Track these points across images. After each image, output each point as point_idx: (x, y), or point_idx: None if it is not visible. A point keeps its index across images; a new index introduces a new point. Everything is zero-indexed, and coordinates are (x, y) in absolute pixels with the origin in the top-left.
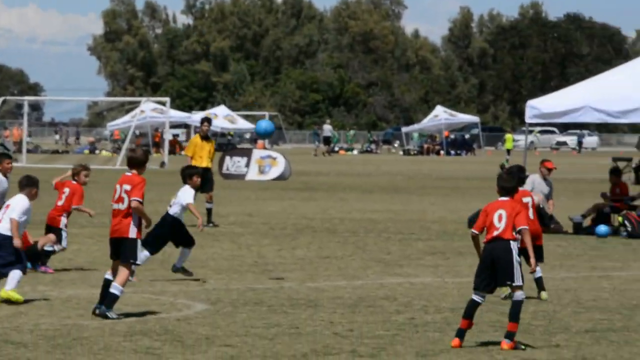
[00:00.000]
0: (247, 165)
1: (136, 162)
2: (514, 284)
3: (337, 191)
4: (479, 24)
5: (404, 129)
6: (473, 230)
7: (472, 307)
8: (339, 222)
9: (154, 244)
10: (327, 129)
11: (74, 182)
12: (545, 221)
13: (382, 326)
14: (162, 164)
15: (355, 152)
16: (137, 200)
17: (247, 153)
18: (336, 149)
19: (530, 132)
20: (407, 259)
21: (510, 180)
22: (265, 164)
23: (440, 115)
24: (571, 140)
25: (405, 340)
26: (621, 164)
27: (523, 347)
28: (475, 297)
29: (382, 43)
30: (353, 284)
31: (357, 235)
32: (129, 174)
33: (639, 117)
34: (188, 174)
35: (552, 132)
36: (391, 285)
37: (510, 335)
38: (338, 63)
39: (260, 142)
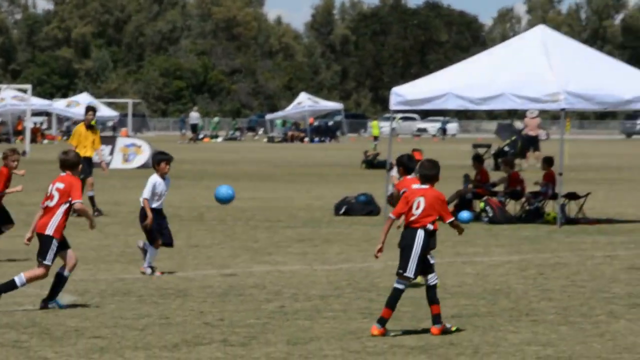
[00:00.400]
0: (112, 153)
1: (69, 165)
2: (404, 274)
3: (203, 179)
4: (341, 10)
5: (268, 116)
6: (391, 215)
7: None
8: (206, 210)
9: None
10: (194, 116)
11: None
12: None
13: (252, 315)
14: (24, 153)
15: (219, 139)
16: (80, 202)
17: (111, 141)
18: (201, 136)
19: (393, 119)
20: (276, 246)
21: (432, 168)
22: (129, 152)
23: (304, 102)
24: (432, 126)
25: (276, 329)
26: (481, 150)
27: (453, 329)
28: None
29: (245, 29)
30: (222, 272)
31: (225, 224)
32: (63, 174)
33: (500, 104)
34: (156, 160)
35: (413, 119)
36: (260, 273)
37: (435, 319)
38: (201, 50)
39: (124, 129)
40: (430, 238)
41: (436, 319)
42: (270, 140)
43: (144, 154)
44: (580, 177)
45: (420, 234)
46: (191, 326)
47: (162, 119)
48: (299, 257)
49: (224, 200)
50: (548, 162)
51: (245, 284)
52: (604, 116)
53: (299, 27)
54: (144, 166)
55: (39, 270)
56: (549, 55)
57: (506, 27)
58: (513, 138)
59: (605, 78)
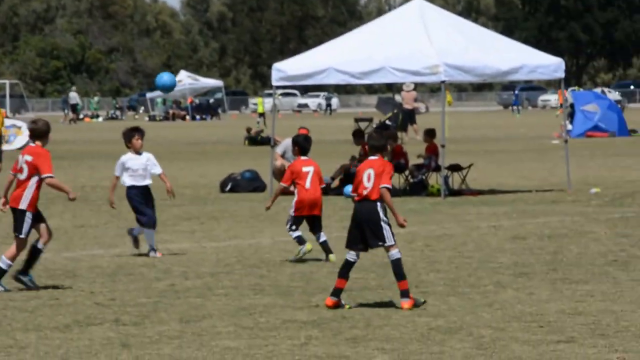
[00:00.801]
0: None
1: (38, 134)
2: (385, 244)
3: (86, 159)
4: None
5: (149, 95)
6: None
7: (346, 267)
8: (90, 190)
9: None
10: (73, 96)
11: None
12: None
13: (143, 294)
14: None
15: (100, 119)
16: (50, 176)
17: None
18: (81, 116)
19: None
20: (163, 225)
21: (379, 139)
22: (9, 134)
23: (184, 80)
24: (313, 102)
25: (168, 307)
26: (363, 125)
27: (422, 300)
28: (349, 257)
29: (121, 8)
30: (110, 252)
31: None
32: (33, 145)
33: (381, 78)
34: (127, 137)
35: (294, 94)
36: None
37: (404, 294)
38: (77, 29)
39: (2, 110)
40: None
41: (404, 294)
42: (152, 119)
43: (24, 136)
44: (461, 148)
45: (379, 206)
46: (82, 306)
47: (40, 99)
48: (187, 235)
49: (165, 87)
50: (430, 134)
51: (134, 263)
52: (481, 88)
53: (175, 4)
54: (24, 147)
55: (17, 245)
56: (427, 28)
57: (382, 1)
58: (394, 112)
59: (483, 50)
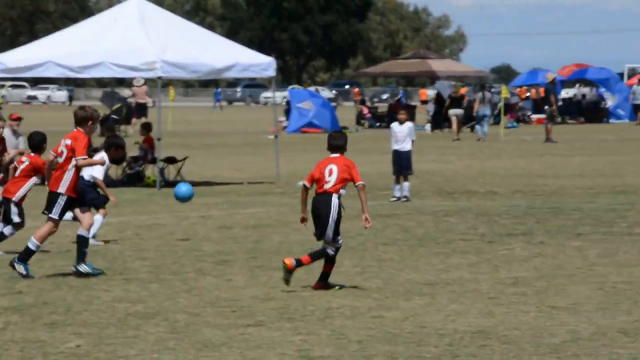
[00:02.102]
0: None
1: (77, 120)
2: (324, 239)
3: None
4: None
5: None
6: (305, 183)
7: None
8: None
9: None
10: None
11: None
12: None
13: None
14: None
15: None
16: (83, 158)
17: None
18: None
19: (2, 86)
20: None
21: (340, 138)
22: None
23: None
24: (42, 94)
25: None
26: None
27: (338, 287)
28: (327, 249)
29: None
30: None
31: None
32: (74, 130)
33: (100, 72)
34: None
35: (23, 86)
36: None
37: (300, 263)
38: None
39: None
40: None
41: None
42: None
43: None
44: (181, 142)
45: (334, 200)
46: None
47: None
48: None
49: (183, 198)
50: (146, 127)
51: None
52: (207, 84)
53: None
54: None
55: (47, 226)
56: (146, 26)
57: None
58: (118, 105)
59: (199, 48)
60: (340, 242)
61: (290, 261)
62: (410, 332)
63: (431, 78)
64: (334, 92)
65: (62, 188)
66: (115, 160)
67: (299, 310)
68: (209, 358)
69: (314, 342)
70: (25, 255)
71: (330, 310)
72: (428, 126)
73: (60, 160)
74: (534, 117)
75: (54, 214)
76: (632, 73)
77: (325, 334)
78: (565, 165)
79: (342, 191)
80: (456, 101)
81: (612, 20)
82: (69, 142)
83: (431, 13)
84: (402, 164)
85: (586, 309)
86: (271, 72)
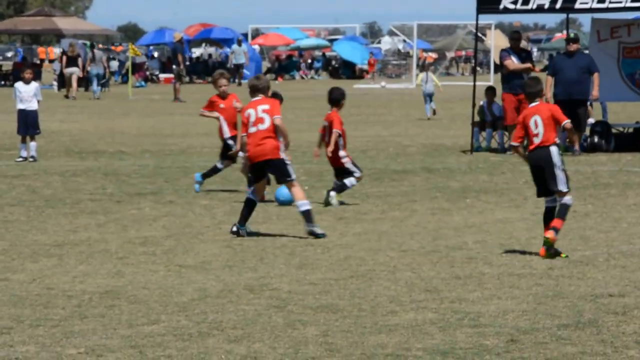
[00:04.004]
0: None
1: (259, 89)
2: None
3: None
4: None
5: None
6: (513, 143)
7: (547, 215)
8: None
9: None
10: None
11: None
12: None
13: None
14: None
15: None
16: (279, 118)
17: None
18: None
19: None
20: None
21: (536, 85)
22: None
23: None
24: None
25: None
26: None
27: (564, 255)
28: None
29: None
30: None
31: None
32: (258, 98)
33: None
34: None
35: None
36: None
37: (555, 230)
38: None
39: None
40: None
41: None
42: None
43: None
44: None
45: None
46: None
47: None
48: None
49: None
50: None
51: None
52: None
53: None
54: None
55: (297, 188)
56: None
57: None
58: None
59: None
60: None
61: (551, 233)
62: (38, 295)
63: (57, 36)
64: None
65: (282, 154)
66: None
67: None
68: None
69: None
70: (311, 217)
71: None
72: (55, 85)
73: (263, 127)
74: (162, 76)
75: (292, 175)
76: (256, 33)
77: None
78: (194, 124)
79: None
80: (72, 60)
81: None
82: (267, 107)
83: None
84: (28, 123)
85: (214, 267)
86: None
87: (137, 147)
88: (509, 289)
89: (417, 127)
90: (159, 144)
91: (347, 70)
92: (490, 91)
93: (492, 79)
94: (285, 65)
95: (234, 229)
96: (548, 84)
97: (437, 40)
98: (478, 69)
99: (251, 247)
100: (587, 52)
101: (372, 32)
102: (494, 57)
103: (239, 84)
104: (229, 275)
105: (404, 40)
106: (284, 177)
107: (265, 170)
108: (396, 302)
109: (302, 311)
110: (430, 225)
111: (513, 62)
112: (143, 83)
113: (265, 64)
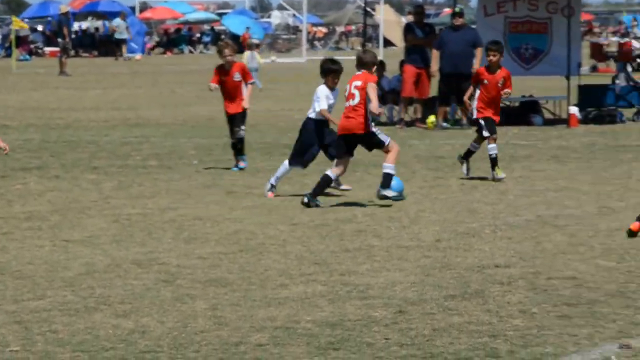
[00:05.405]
0: None
1: (363, 63)
2: None
3: None
4: None
5: None
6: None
7: None
8: None
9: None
10: None
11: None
12: None
13: None
14: None
15: None
16: (373, 86)
17: None
18: None
19: None
20: None
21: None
22: None
23: None
24: None
25: None
26: None
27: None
28: None
29: None
30: None
31: None
32: (359, 73)
33: None
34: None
35: None
36: None
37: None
38: None
39: None
40: None
41: None
42: None
43: None
44: None
45: None
46: None
47: None
48: None
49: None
50: None
51: None
52: None
53: None
54: None
55: (393, 147)
56: None
57: None
58: None
59: None
60: None
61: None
62: None
63: None
64: None
65: (369, 128)
66: None
67: None
68: None
69: None
70: (387, 181)
71: None
72: None
73: (353, 103)
74: (47, 49)
75: (387, 141)
76: (144, 7)
77: None
78: (80, 98)
79: None
80: None
81: None
82: (359, 83)
83: None
84: None
85: (101, 242)
86: None
87: (22, 121)
88: (397, 261)
89: (307, 102)
90: (45, 118)
91: (237, 44)
92: (379, 66)
93: (382, 54)
94: (174, 39)
95: (305, 200)
96: (434, 57)
97: (326, 14)
98: (367, 43)
99: (139, 222)
100: (474, 27)
101: (262, 6)
102: (383, 32)
103: (117, 59)
104: (117, 250)
105: (294, 15)
106: (378, 147)
107: (354, 144)
108: (286, 275)
109: (191, 285)
110: (319, 198)
111: (414, 37)
112: (28, 56)
113: (154, 39)
